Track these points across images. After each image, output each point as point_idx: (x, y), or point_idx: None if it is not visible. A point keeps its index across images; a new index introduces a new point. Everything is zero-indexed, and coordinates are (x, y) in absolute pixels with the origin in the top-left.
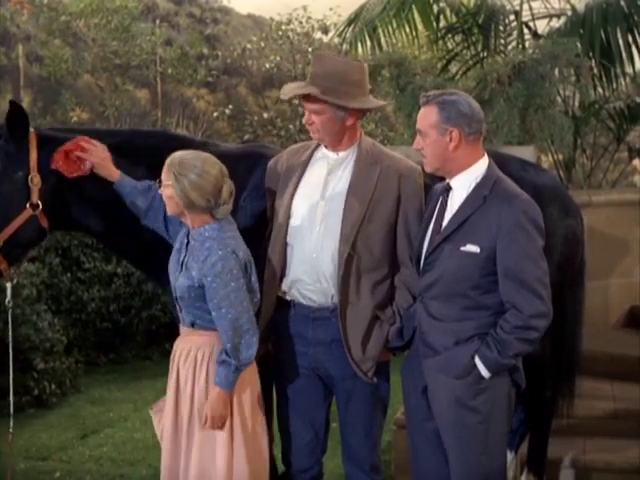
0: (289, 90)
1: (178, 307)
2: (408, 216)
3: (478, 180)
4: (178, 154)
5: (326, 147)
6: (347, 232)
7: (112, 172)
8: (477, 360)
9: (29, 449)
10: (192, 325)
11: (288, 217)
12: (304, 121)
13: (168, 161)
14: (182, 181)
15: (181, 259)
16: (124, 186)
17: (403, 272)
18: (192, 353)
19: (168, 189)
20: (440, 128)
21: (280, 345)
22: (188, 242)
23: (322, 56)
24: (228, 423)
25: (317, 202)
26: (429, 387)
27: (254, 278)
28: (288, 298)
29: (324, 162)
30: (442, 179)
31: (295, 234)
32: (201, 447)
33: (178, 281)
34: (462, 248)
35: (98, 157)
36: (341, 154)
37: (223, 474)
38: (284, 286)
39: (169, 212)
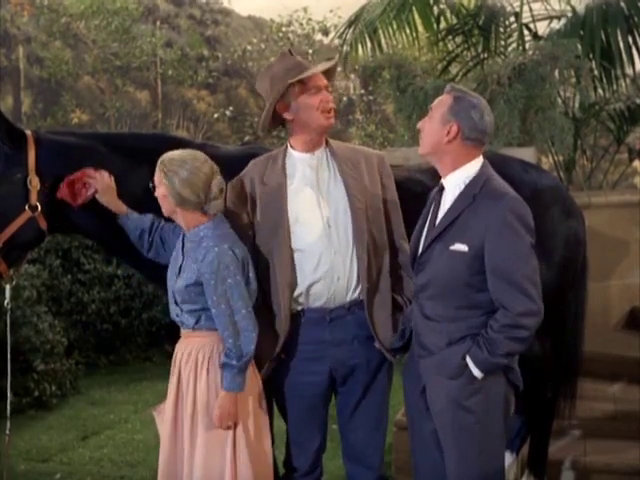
0: (321, 66)
1: (179, 310)
2: (394, 197)
3: (469, 179)
4: (168, 153)
5: (305, 148)
6: (359, 226)
7: (118, 204)
8: (468, 360)
9: (29, 451)
10: (194, 326)
11: (287, 224)
12: (328, 105)
13: (159, 161)
14: (173, 178)
15: (179, 264)
16: (130, 221)
17: (401, 258)
18: (193, 355)
19: (161, 188)
20: (445, 117)
21: (287, 354)
22: (183, 246)
23: (287, 53)
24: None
25: (317, 204)
26: (427, 388)
27: (252, 275)
28: (299, 308)
29: (304, 165)
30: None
31: (302, 239)
32: (205, 448)
33: (177, 285)
34: (451, 247)
35: (102, 185)
36: (317, 153)
37: (228, 475)
38: (295, 293)
39: (165, 213)
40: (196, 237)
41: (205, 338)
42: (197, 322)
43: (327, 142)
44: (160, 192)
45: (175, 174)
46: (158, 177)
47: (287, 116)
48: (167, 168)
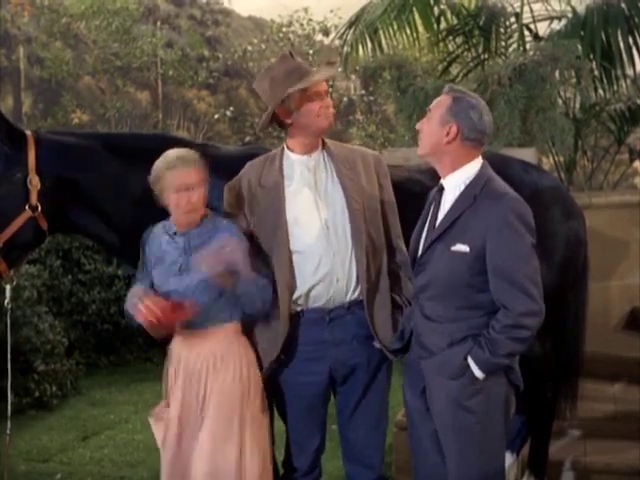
0: (325, 73)
1: None
2: (390, 198)
3: (469, 180)
4: (179, 156)
5: (303, 150)
6: (357, 227)
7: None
8: (470, 360)
9: (30, 451)
10: (206, 323)
11: (286, 225)
12: (328, 110)
13: (194, 167)
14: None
15: (179, 264)
16: None
17: (399, 258)
18: (202, 354)
19: (199, 187)
20: (444, 118)
21: (287, 355)
22: (189, 246)
23: (288, 55)
24: (238, 422)
25: (315, 205)
26: (427, 388)
27: None
28: (298, 309)
29: (301, 166)
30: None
31: (301, 241)
32: (213, 443)
33: (182, 283)
34: (452, 248)
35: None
36: (314, 155)
37: (235, 471)
38: (295, 295)
39: (197, 218)
40: (206, 228)
41: (218, 333)
42: (210, 318)
43: (324, 143)
44: (201, 192)
45: (201, 163)
46: (199, 178)
47: (287, 120)
48: (199, 164)
